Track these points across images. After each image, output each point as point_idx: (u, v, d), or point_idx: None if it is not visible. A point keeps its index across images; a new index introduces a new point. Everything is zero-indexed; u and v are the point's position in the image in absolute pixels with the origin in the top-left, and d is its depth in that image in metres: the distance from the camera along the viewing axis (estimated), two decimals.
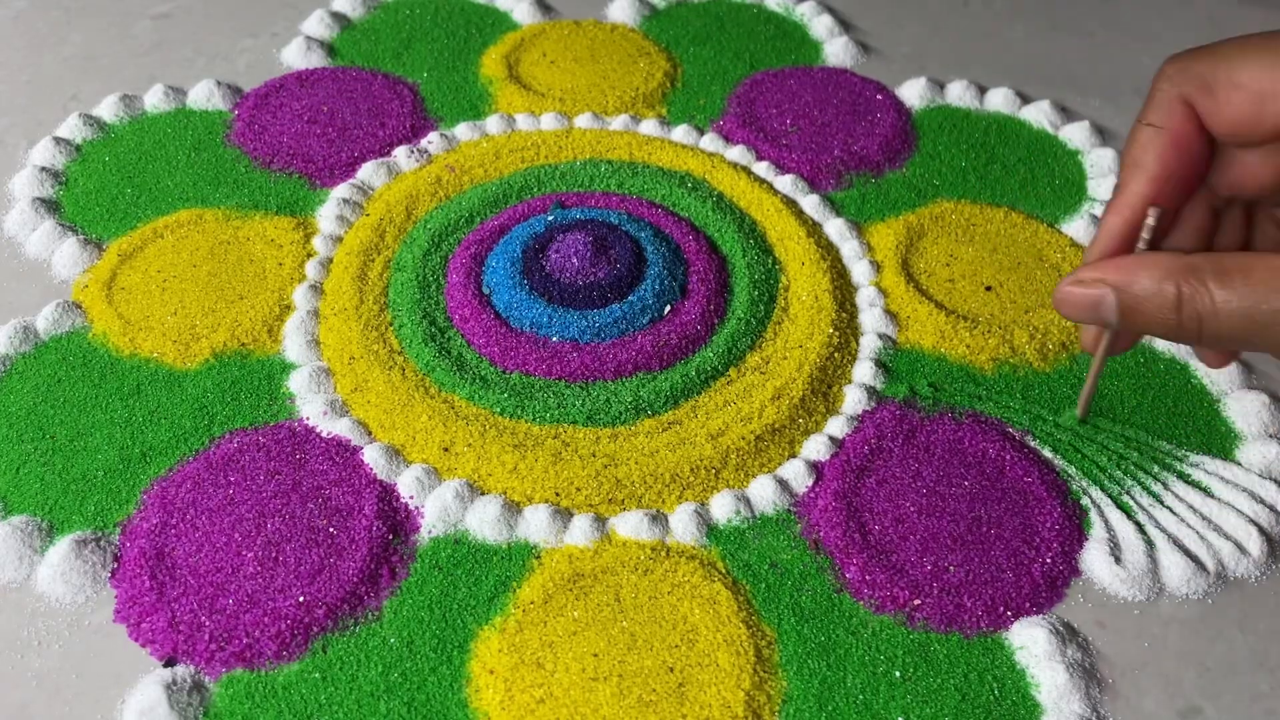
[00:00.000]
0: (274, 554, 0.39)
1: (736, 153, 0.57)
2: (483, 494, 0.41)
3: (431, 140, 0.57)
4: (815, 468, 0.43)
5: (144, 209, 0.52)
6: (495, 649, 0.37)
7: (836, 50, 0.65)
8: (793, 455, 0.43)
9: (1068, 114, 0.61)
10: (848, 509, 0.41)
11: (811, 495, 0.42)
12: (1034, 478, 0.42)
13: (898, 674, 0.37)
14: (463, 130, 0.57)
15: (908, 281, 0.50)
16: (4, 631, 0.37)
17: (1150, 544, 0.41)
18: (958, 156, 0.58)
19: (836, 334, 0.47)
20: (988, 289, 0.50)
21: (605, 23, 0.66)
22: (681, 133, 0.58)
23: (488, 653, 0.37)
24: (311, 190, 0.54)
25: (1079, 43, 0.68)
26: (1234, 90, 0.29)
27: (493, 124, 0.58)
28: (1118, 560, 0.40)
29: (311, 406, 0.44)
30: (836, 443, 0.44)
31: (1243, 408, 0.45)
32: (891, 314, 0.49)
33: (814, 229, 0.53)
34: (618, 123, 0.58)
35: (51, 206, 0.52)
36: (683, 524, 0.40)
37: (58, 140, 0.55)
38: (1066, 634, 0.38)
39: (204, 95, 0.59)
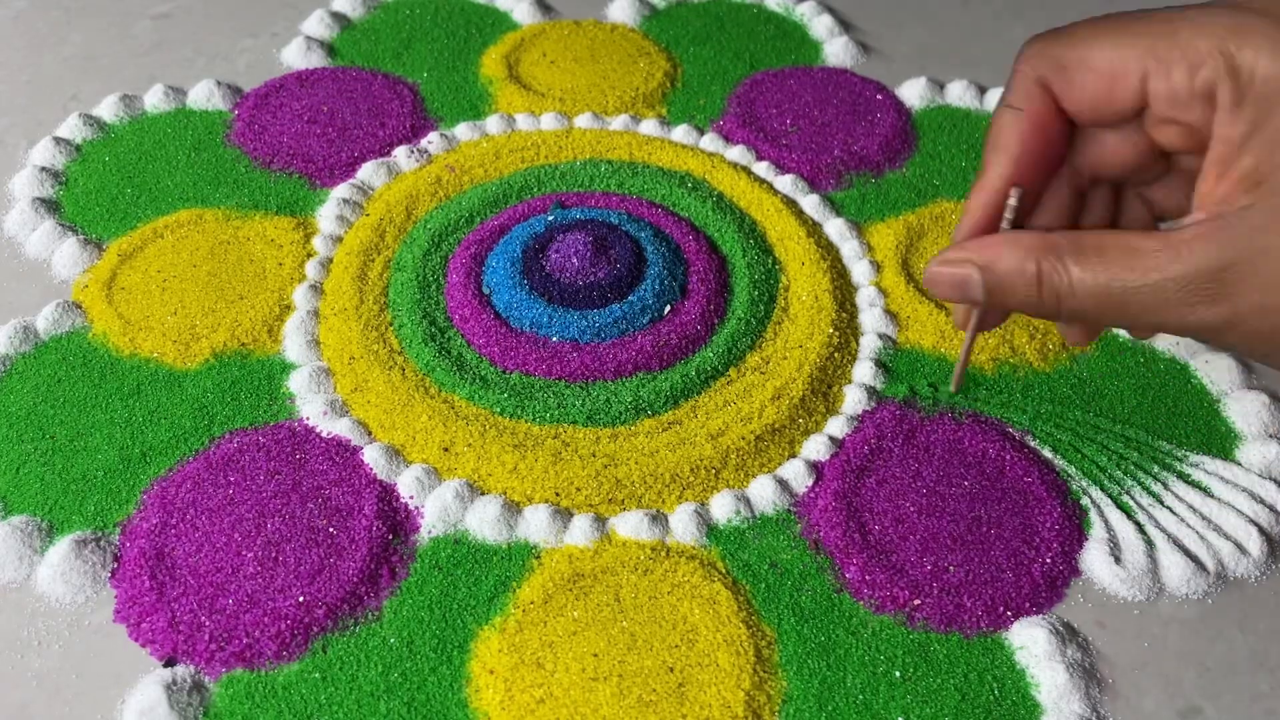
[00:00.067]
0: (274, 554, 0.39)
1: (736, 153, 0.57)
2: (483, 494, 0.41)
3: (431, 140, 0.57)
4: (815, 468, 0.43)
5: (144, 209, 0.52)
6: (495, 649, 0.37)
7: (836, 50, 0.65)
8: (793, 455, 0.43)
9: None
10: (848, 509, 0.41)
11: (811, 495, 0.42)
12: (1034, 478, 0.42)
13: (898, 674, 0.37)
14: (463, 130, 0.57)
15: (908, 281, 0.50)
16: (4, 631, 0.37)
17: (1150, 544, 0.41)
18: (958, 156, 0.58)
19: (836, 334, 0.47)
20: None
21: (605, 23, 0.66)
22: (681, 133, 0.58)
23: (488, 653, 0.37)
24: (311, 190, 0.54)
25: None
26: (1087, 71, 0.29)
27: (493, 124, 0.58)
28: (1118, 560, 0.40)
29: (311, 406, 0.44)
30: (836, 443, 0.44)
31: (1243, 408, 0.45)
32: (891, 314, 0.49)
33: (814, 229, 0.53)
34: (618, 123, 0.58)
35: (51, 206, 0.52)
36: (683, 524, 0.40)
37: (58, 140, 0.55)
38: (1066, 634, 0.38)
39: (204, 95, 0.59)
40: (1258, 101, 0.26)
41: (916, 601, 0.38)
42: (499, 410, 0.44)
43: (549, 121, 0.58)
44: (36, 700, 0.35)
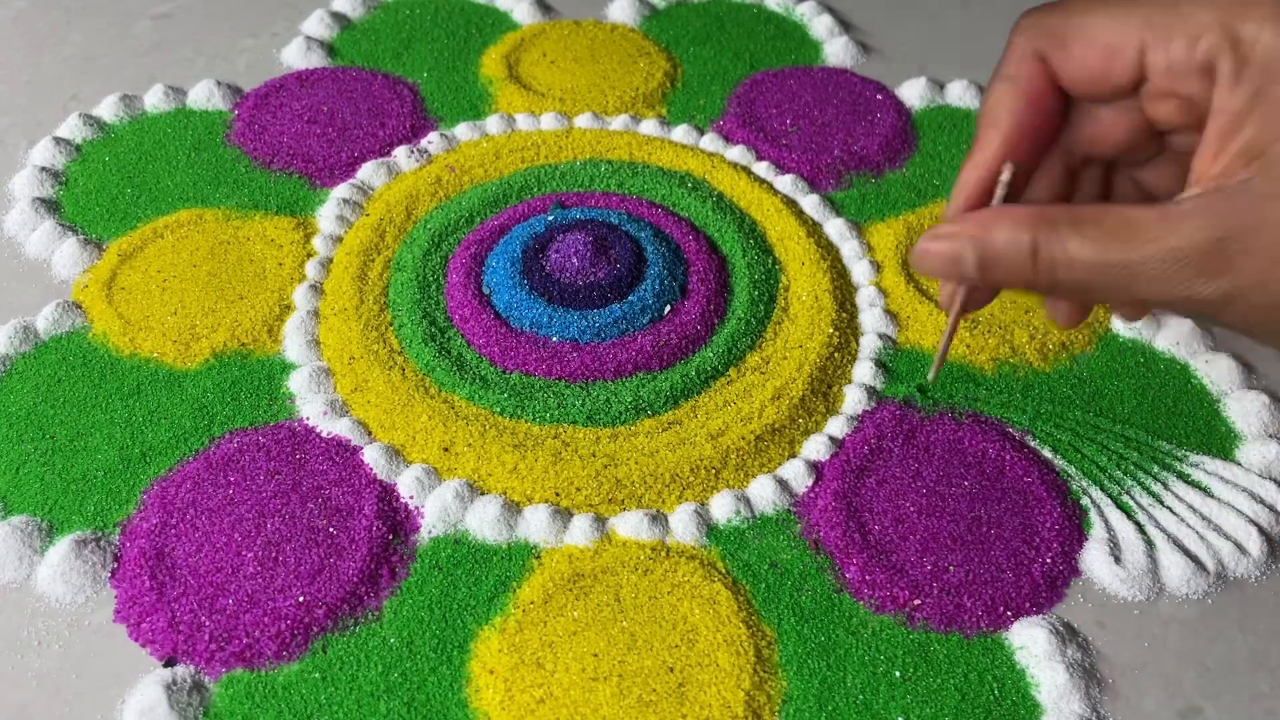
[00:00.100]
0: (274, 554, 0.39)
1: (736, 153, 0.57)
2: (483, 494, 0.41)
3: (431, 140, 0.57)
4: (815, 468, 0.43)
5: (144, 209, 0.52)
6: (495, 649, 0.37)
7: (836, 50, 0.65)
8: (793, 455, 0.43)
9: None
10: (848, 509, 0.41)
11: (811, 495, 0.42)
12: (1034, 478, 0.42)
13: (898, 674, 0.37)
14: (463, 130, 0.57)
15: (908, 281, 0.50)
16: (4, 631, 0.37)
17: (1150, 544, 0.41)
18: (958, 156, 0.58)
19: (836, 334, 0.47)
20: None
21: (605, 23, 0.66)
22: (681, 133, 0.58)
23: (488, 653, 0.37)
24: (311, 190, 0.54)
25: None
26: (1085, 44, 0.29)
27: (493, 124, 0.58)
28: (1118, 560, 0.40)
29: (311, 406, 0.44)
30: (836, 443, 0.44)
31: (1243, 408, 0.45)
32: (891, 314, 0.49)
33: (814, 229, 0.53)
34: (618, 123, 0.58)
35: (51, 206, 0.52)
36: (683, 524, 0.40)
37: (58, 140, 0.55)
38: (1066, 634, 0.38)
39: (204, 95, 0.59)
40: (1259, 73, 0.26)
41: (916, 601, 0.38)
42: (499, 410, 0.44)
43: (549, 121, 0.58)
44: (36, 700, 0.35)
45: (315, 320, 0.48)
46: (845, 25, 0.67)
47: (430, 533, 0.40)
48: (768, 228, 0.53)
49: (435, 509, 0.41)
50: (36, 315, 0.47)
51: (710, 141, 0.58)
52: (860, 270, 0.51)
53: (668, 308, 0.48)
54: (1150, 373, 0.47)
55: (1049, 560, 0.40)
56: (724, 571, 0.39)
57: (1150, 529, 0.41)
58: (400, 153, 0.56)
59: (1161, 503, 0.42)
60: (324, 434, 0.43)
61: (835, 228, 0.53)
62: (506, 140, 0.57)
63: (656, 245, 0.50)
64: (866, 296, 0.50)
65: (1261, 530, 0.41)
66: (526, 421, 0.43)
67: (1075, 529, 0.41)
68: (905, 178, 0.57)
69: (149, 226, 0.51)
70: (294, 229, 0.51)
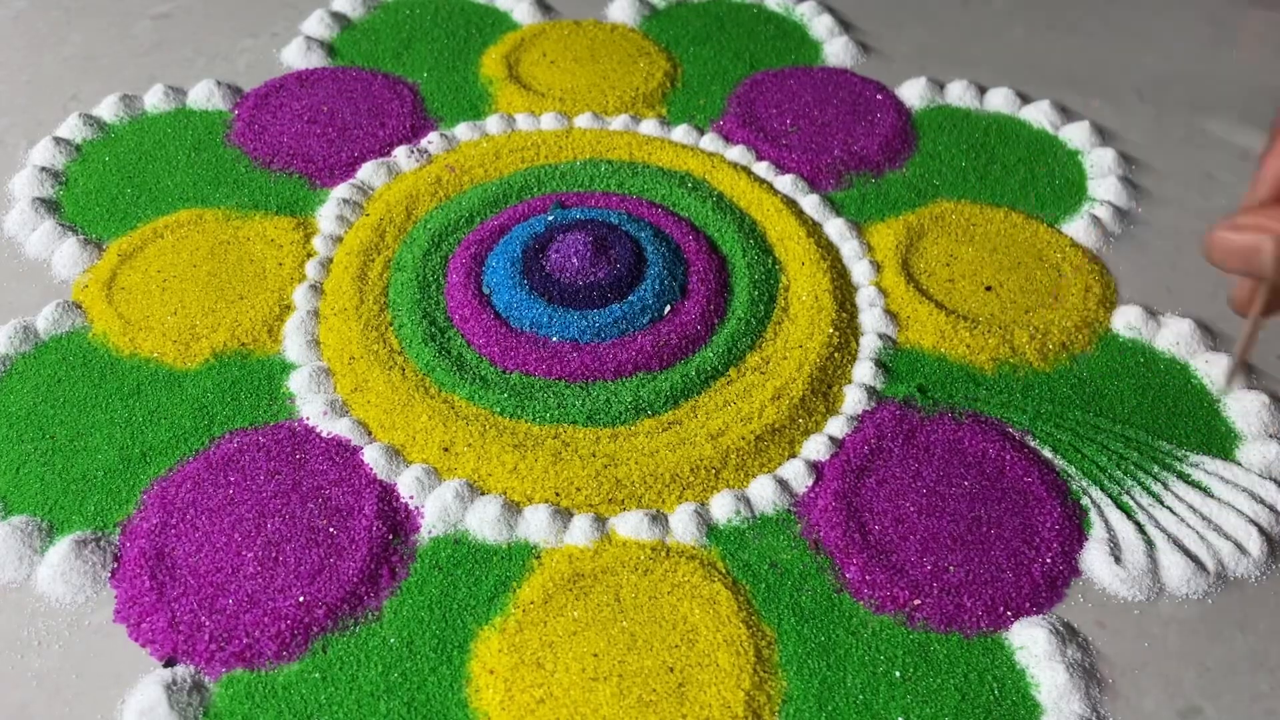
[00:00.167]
0: (274, 554, 0.39)
1: (736, 153, 0.57)
2: (483, 494, 0.41)
3: (431, 140, 0.57)
4: (815, 468, 0.43)
5: (144, 209, 0.52)
6: (495, 649, 0.37)
7: (836, 50, 0.65)
8: (793, 455, 0.43)
9: (1068, 114, 0.61)
10: (848, 509, 0.41)
11: (811, 495, 0.42)
12: (1034, 478, 0.42)
13: (898, 674, 0.37)
14: (463, 130, 0.57)
15: (908, 281, 0.50)
16: (4, 631, 0.37)
17: (1150, 544, 0.41)
18: (958, 156, 0.58)
19: (836, 334, 0.47)
20: (988, 289, 0.50)
21: (605, 23, 0.66)
22: (681, 133, 0.58)
23: (488, 653, 0.37)
24: (311, 190, 0.54)
25: (1079, 43, 0.68)
26: None
27: (493, 124, 0.58)
28: (1118, 560, 0.40)
29: (311, 406, 0.44)
30: (836, 443, 0.44)
31: (1243, 408, 0.45)
32: (891, 314, 0.49)
33: (814, 229, 0.53)
34: (618, 123, 0.58)
35: (51, 206, 0.52)
36: (683, 524, 0.40)
37: (58, 140, 0.55)
38: (1066, 634, 0.38)
39: (204, 95, 0.59)
40: None
41: (916, 601, 0.38)
42: (499, 410, 0.44)
43: (549, 121, 0.58)
44: (36, 700, 0.35)
45: (315, 320, 0.48)
46: (845, 25, 0.67)
47: (430, 533, 0.40)
48: (768, 228, 0.53)
49: (435, 509, 0.41)
50: (36, 315, 0.47)
51: (710, 141, 0.58)
52: (860, 270, 0.51)
53: (668, 308, 0.48)
54: (1150, 373, 0.47)
55: (1049, 560, 0.40)
56: (724, 571, 0.39)
57: (1150, 529, 0.41)
58: (400, 153, 0.56)
59: (1161, 503, 0.42)
60: (324, 434, 0.43)
61: (835, 228, 0.53)
62: (506, 140, 0.57)
63: (656, 245, 0.50)
64: (866, 296, 0.50)
65: (1261, 530, 0.41)
66: (526, 421, 0.43)
67: (1075, 529, 0.41)
68: (905, 178, 0.57)
69: (149, 226, 0.51)
70: (294, 229, 0.51)
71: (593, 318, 0.47)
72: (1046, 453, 0.44)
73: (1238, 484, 0.43)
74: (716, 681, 0.36)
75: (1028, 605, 0.39)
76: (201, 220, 0.52)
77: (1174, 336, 0.48)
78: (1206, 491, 0.43)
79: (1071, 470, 0.43)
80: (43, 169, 0.54)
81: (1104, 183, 0.56)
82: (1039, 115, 0.60)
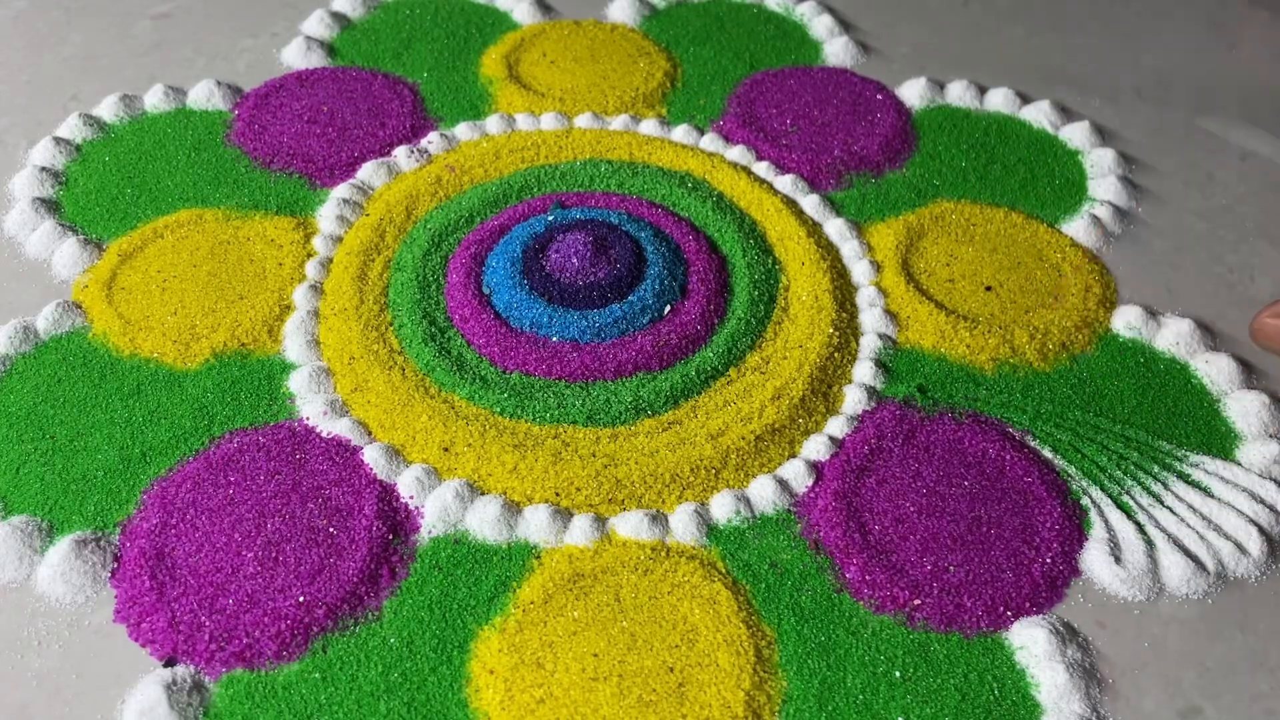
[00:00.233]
0: (274, 554, 0.39)
1: (736, 153, 0.57)
2: (483, 494, 0.41)
3: (431, 140, 0.57)
4: (815, 468, 0.43)
5: (144, 209, 0.52)
6: (495, 649, 0.37)
7: (836, 50, 0.65)
8: (793, 455, 0.43)
9: (1068, 114, 0.61)
10: (848, 509, 0.41)
11: (811, 495, 0.42)
12: (1034, 478, 0.42)
13: (898, 674, 0.37)
14: (463, 130, 0.57)
15: (908, 281, 0.50)
16: (4, 631, 0.37)
17: (1150, 544, 0.41)
18: (958, 156, 0.58)
19: (836, 334, 0.47)
20: (988, 289, 0.50)
21: (605, 23, 0.66)
22: (681, 133, 0.58)
23: (488, 653, 0.37)
24: (311, 190, 0.54)
25: (1079, 43, 0.68)
26: None
27: (493, 124, 0.58)
28: (1118, 560, 0.40)
29: (311, 406, 0.44)
30: (836, 443, 0.44)
31: (1243, 408, 0.45)
32: (891, 314, 0.49)
33: (814, 229, 0.53)
34: (618, 123, 0.58)
35: (51, 206, 0.52)
36: (683, 524, 0.40)
37: (58, 140, 0.55)
38: (1066, 634, 0.38)
39: (204, 95, 0.59)
40: None
41: (916, 601, 0.38)
42: (499, 410, 0.44)
43: (549, 121, 0.58)
44: (36, 700, 0.35)
45: (315, 320, 0.48)
46: (845, 25, 0.67)
47: (430, 533, 0.40)
48: (768, 228, 0.53)
49: (435, 509, 0.41)
50: (36, 315, 0.47)
51: (710, 141, 0.58)
52: (860, 270, 0.51)
53: (668, 308, 0.48)
54: (1150, 373, 0.47)
55: (1049, 560, 0.40)
56: (724, 571, 0.39)
57: (1150, 529, 0.41)
58: (400, 153, 0.56)
59: (1161, 503, 0.42)
60: (324, 434, 0.43)
61: (835, 228, 0.53)
62: (506, 140, 0.57)
63: (656, 245, 0.50)
64: (866, 296, 0.50)
65: (1261, 530, 0.41)
66: (526, 421, 0.43)
67: (1075, 529, 0.41)
68: (905, 178, 0.57)
69: (149, 226, 0.51)
70: (294, 229, 0.51)
71: (593, 318, 0.47)
72: (1046, 453, 0.44)
73: (1238, 484, 0.43)
74: (716, 681, 0.36)
75: (1028, 605, 0.39)
76: (201, 220, 0.52)
77: (1174, 336, 0.48)
78: (1206, 491, 0.43)
79: (1071, 470, 0.43)
80: (43, 169, 0.54)
81: (1104, 183, 0.56)
82: (1039, 115, 0.60)
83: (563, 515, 0.41)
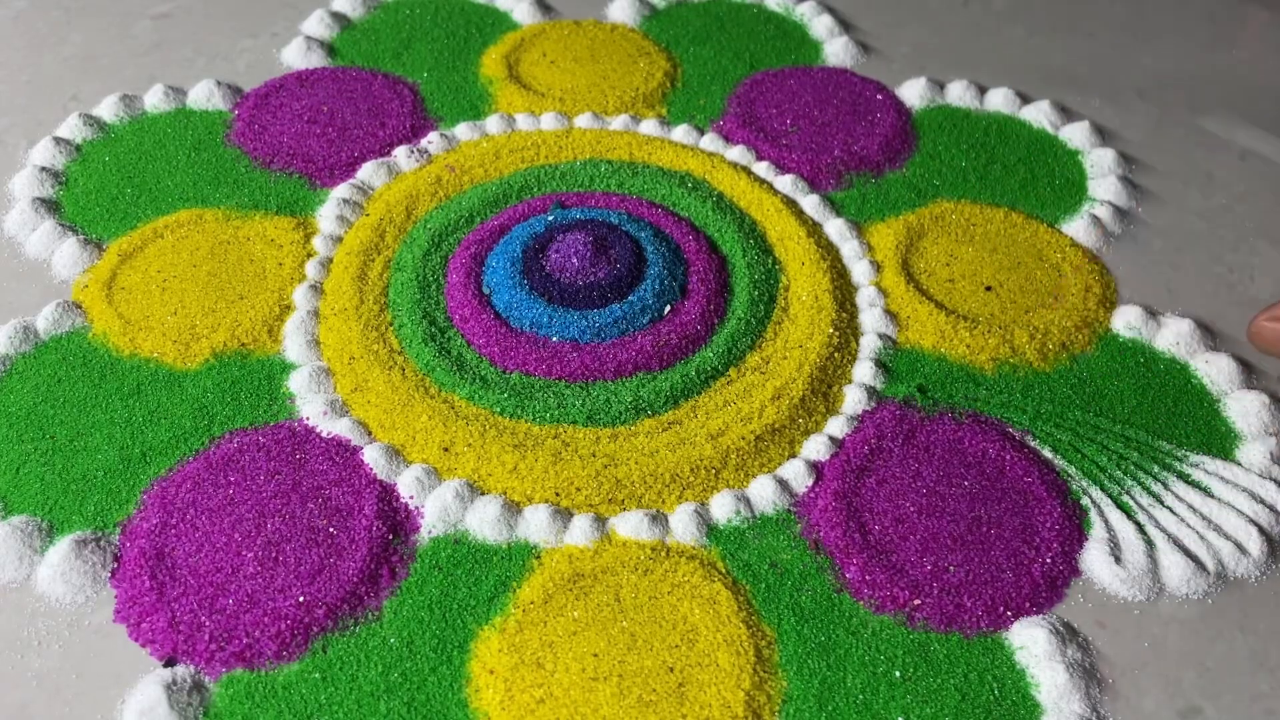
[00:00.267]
0: (274, 554, 0.39)
1: (736, 153, 0.57)
2: (483, 494, 0.41)
3: (431, 140, 0.57)
4: (815, 468, 0.43)
5: (144, 209, 0.52)
6: (495, 649, 0.37)
7: (836, 50, 0.65)
8: (793, 455, 0.43)
9: (1068, 114, 0.61)
10: (848, 509, 0.41)
11: (811, 495, 0.42)
12: (1034, 478, 0.42)
13: (898, 674, 0.37)
14: (463, 130, 0.57)
15: (908, 281, 0.50)
16: (4, 631, 0.37)
17: (1150, 544, 0.41)
18: (958, 156, 0.58)
19: (836, 334, 0.47)
20: (988, 289, 0.50)
21: (605, 23, 0.66)
22: (681, 133, 0.58)
23: (488, 653, 0.37)
24: (311, 190, 0.54)
25: (1079, 43, 0.68)
26: None
27: (493, 124, 0.58)
28: (1118, 560, 0.40)
29: (311, 406, 0.44)
30: (836, 443, 0.44)
31: (1243, 408, 0.45)
32: (891, 314, 0.49)
33: (814, 229, 0.53)
34: (618, 123, 0.58)
35: (51, 206, 0.52)
36: (683, 524, 0.40)
37: (58, 140, 0.55)
38: (1066, 634, 0.38)
39: (204, 95, 0.59)
40: None
41: (916, 601, 0.38)
42: (499, 410, 0.44)
43: (549, 121, 0.58)
44: (36, 700, 0.35)
45: (315, 320, 0.48)
46: (845, 25, 0.67)
47: (430, 533, 0.40)
48: (768, 228, 0.53)
49: (435, 509, 0.41)
50: (36, 315, 0.47)
51: (710, 141, 0.58)
52: (860, 270, 0.51)
53: (668, 308, 0.48)
54: (1150, 373, 0.47)
55: (1049, 560, 0.40)
56: (724, 571, 0.39)
57: (1150, 529, 0.41)
58: (400, 153, 0.56)
59: (1161, 503, 0.42)
60: (324, 434, 0.43)
61: (835, 228, 0.53)
62: (506, 140, 0.57)
63: (656, 245, 0.50)
64: (866, 296, 0.50)
65: (1261, 530, 0.41)
66: (526, 421, 0.43)
67: (1075, 529, 0.41)
68: (905, 178, 0.57)
69: (149, 226, 0.51)
70: (294, 229, 0.51)
71: (593, 318, 0.47)
72: (1046, 453, 0.44)
73: (1238, 484, 0.43)
74: (716, 681, 0.36)
75: (1028, 605, 0.39)
76: (201, 220, 0.52)
77: (1174, 336, 0.48)
78: (1206, 491, 0.43)
79: (1071, 470, 0.43)
80: (43, 169, 0.54)
81: (1104, 183, 0.56)
82: (1039, 115, 0.60)
83: (563, 515, 0.41)
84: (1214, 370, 0.47)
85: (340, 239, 0.51)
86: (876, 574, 0.39)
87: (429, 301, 0.48)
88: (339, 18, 0.65)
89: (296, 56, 0.62)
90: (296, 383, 0.45)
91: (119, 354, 0.46)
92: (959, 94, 0.62)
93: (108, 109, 0.58)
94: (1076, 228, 0.54)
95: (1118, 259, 0.53)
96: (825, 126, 0.59)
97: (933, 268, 0.51)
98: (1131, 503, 0.42)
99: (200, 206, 0.53)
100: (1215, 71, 0.66)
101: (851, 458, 0.43)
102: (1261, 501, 0.42)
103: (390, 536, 0.40)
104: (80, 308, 0.47)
